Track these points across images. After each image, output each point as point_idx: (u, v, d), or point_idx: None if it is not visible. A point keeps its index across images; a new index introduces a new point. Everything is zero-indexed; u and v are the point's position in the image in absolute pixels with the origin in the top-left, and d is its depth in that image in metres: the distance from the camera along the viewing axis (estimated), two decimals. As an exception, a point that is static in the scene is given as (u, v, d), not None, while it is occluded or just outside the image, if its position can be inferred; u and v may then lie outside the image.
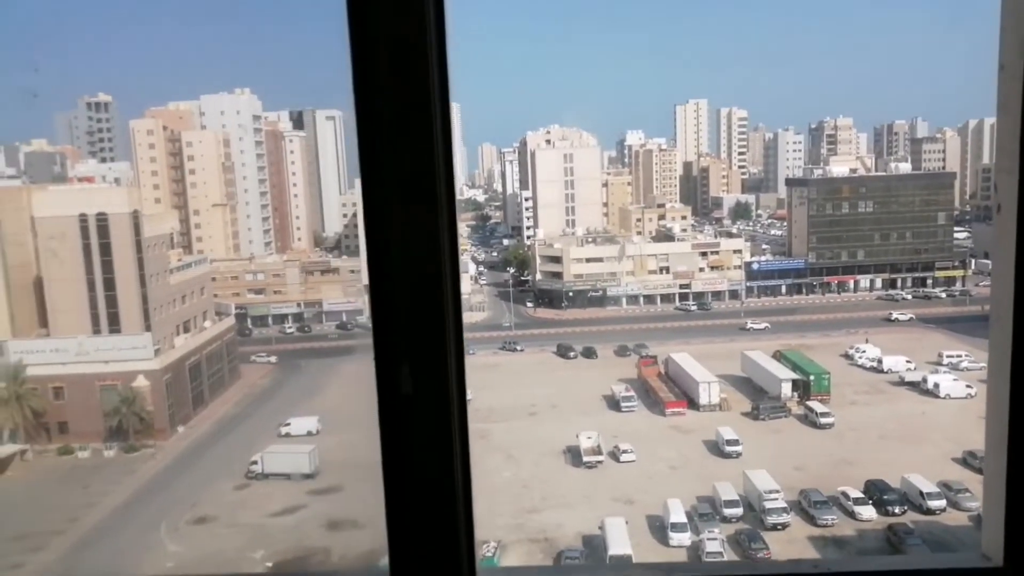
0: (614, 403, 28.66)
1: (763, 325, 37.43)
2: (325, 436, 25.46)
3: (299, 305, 41.04)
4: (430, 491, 1.38)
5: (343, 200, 54.28)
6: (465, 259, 45.62)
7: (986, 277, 39.80)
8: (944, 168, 47.44)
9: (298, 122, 60.34)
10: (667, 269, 43.63)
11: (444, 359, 1.30)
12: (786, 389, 27.70)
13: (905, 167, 47.14)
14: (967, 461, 22.44)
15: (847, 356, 32.28)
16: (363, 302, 39.83)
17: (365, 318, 39.44)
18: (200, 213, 46.16)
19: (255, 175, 50.65)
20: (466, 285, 42.93)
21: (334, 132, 61.16)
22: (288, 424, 26.31)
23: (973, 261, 43.29)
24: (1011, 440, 1.34)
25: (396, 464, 1.35)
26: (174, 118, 48.33)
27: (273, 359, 34.73)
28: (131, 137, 49.11)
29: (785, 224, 48.69)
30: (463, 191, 56.80)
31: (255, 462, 23.43)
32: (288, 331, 40.10)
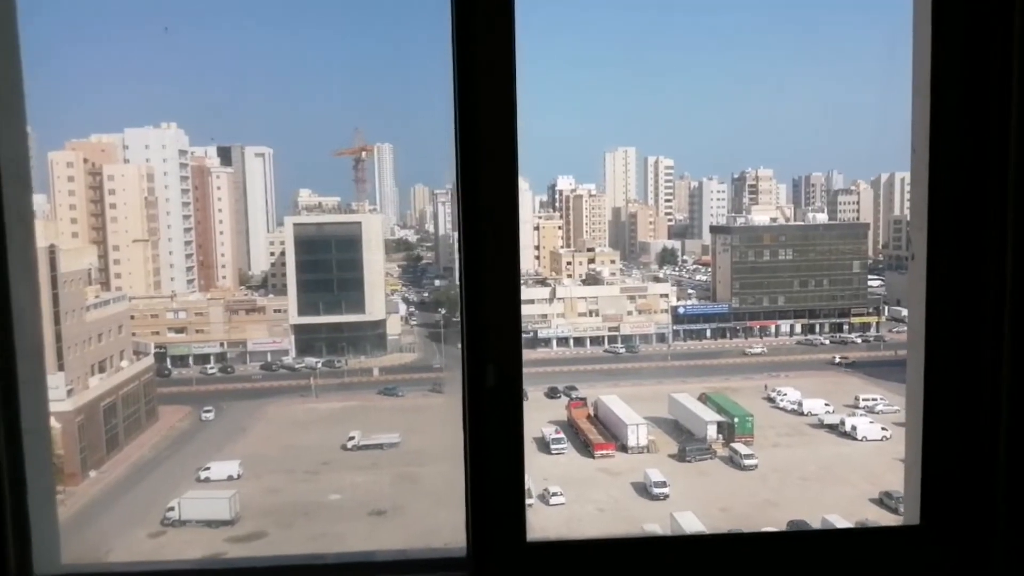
0: (544, 445, 28.66)
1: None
2: (247, 481, 24.65)
3: (222, 345, 39.86)
4: (504, 460, 1.96)
5: (271, 238, 53.36)
6: (395, 299, 45.29)
7: (899, 323, 41.51)
8: (858, 219, 49.70)
9: (226, 158, 59.32)
10: (596, 312, 44.30)
11: (518, 361, 1.88)
12: (711, 431, 28.22)
13: (822, 217, 49.25)
14: (883, 501, 23.22)
15: (769, 399, 33.17)
16: (289, 342, 38.89)
17: (291, 359, 38.52)
18: (120, 249, 44.68)
19: (179, 210, 49.43)
20: (396, 326, 42.54)
21: (263, 169, 60.31)
22: (208, 468, 25.35)
23: (886, 308, 45.33)
24: (925, 431, 1.97)
25: (478, 441, 1.93)
26: (96, 151, 46.88)
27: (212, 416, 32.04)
28: (49, 169, 47.38)
29: (709, 270, 50.06)
30: (394, 231, 56.57)
31: (172, 508, 22.47)
32: (210, 371, 38.86)
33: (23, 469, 1.87)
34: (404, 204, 67.13)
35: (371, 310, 40.62)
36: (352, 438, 28.03)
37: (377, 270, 42.01)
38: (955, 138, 1.94)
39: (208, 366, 38.29)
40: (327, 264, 41.04)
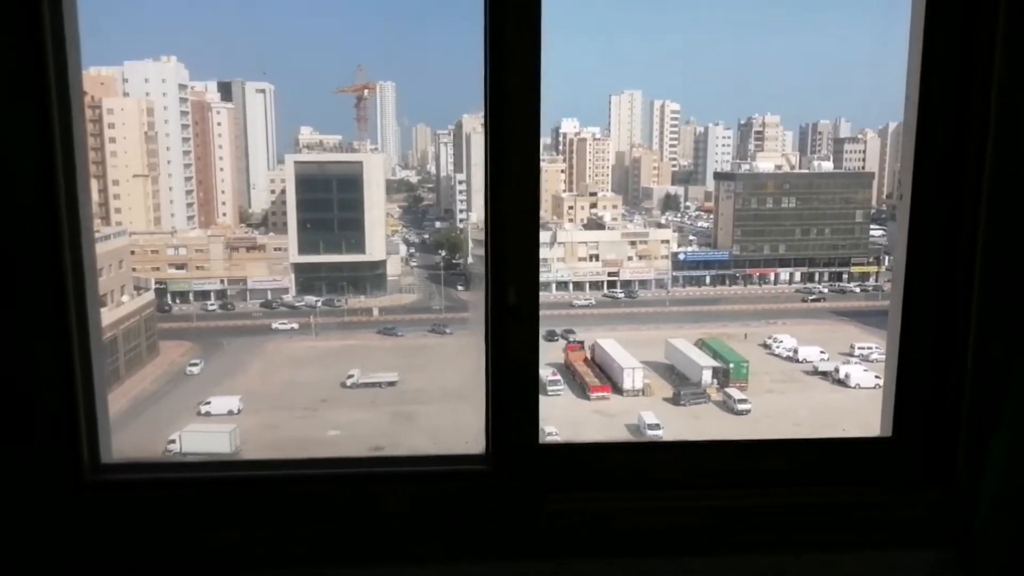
0: (541, 386, 28.88)
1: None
2: (247, 416, 25.02)
3: (222, 282, 39.94)
4: (521, 370, 2.22)
5: (271, 176, 53.07)
6: (395, 240, 45.25)
7: (897, 273, 41.41)
8: (864, 168, 49.20)
9: (226, 93, 58.45)
10: (597, 257, 44.31)
11: (536, 282, 2.12)
12: (706, 376, 28.51)
13: (827, 166, 48.77)
14: (872, 447, 23.68)
15: (765, 345, 33.41)
16: (289, 280, 39.04)
17: (291, 297, 38.68)
18: (120, 183, 44.38)
19: (179, 146, 48.96)
20: (396, 267, 42.61)
21: (264, 106, 59.53)
22: (208, 403, 25.70)
23: (887, 258, 45.22)
24: (901, 353, 2.25)
25: (499, 354, 2.19)
26: (95, 84, 46.15)
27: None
28: (47, 101, 46.73)
29: (712, 216, 49.83)
30: (395, 172, 56.25)
31: (173, 440, 22.86)
32: (210, 308, 39.03)
33: (92, 369, 2.13)
34: (406, 144, 66.53)
35: (371, 251, 40.64)
36: (351, 376, 28.34)
37: (378, 211, 41.85)
38: (944, 86, 2.14)
39: (208, 303, 38.40)
40: (328, 203, 40.87)
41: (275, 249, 39.49)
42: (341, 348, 32.99)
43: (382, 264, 40.11)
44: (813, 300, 41.68)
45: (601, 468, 2.31)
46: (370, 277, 39.66)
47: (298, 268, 38.26)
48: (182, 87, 49.62)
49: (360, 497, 2.23)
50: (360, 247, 39.60)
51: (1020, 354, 2.07)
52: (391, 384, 28.29)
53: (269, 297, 38.25)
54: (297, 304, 36.33)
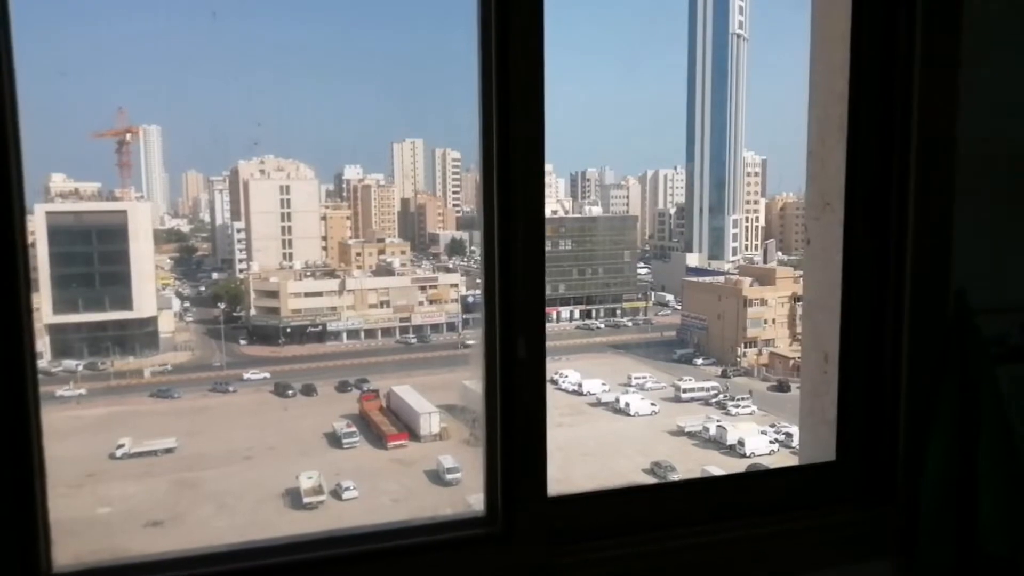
0: (336, 440, 28.14)
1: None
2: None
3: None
4: (531, 424, 2.13)
5: (17, 228, 47.48)
6: (167, 294, 42.35)
7: (663, 308, 45.40)
8: (628, 212, 53.46)
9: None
10: (388, 303, 44.13)
11: (542, 334, 2.10)
12: (501, 416, 29.23)
13: (597, 210, 52.43)
14: (654, 471, 25.43)
15: (553, 381, 34.93)
16: (43, 344, 35.02)
17: (46, 362, 34.75)
18: None
19: None
20: (169, 323, 39.76)
21: (5, 150, 53.43)
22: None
23: (653, 294, 49.21)
24: (840, 382, 2.44)
25: (508, 408, 2.11)
26: None
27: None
28: None
29: (496, 260, 51.21)
30: (164, 220, 52.94)
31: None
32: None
33: (44, 469, 1.85)
34: (175, 191, 62.66)
35: (140, 307, 37.61)
36: (121, 446, 25.87)
37: (146, 263, 38.94)
38: (870, 126, 2.23)
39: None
40: (87, 257, 37.37)
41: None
42: (108, 415, 30.00)
43: (153, 321, 37.24)
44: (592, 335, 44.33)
45: (612, 514, 2.26)
46: (139, 335, 36.64)
47: (53, 329, 34.39)
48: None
49: None
50: (127, 303, 36.51)
51: (944, 380, 2.25)
52: (168, 451, 26.13)
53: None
54: (54, 370, 32.53)
